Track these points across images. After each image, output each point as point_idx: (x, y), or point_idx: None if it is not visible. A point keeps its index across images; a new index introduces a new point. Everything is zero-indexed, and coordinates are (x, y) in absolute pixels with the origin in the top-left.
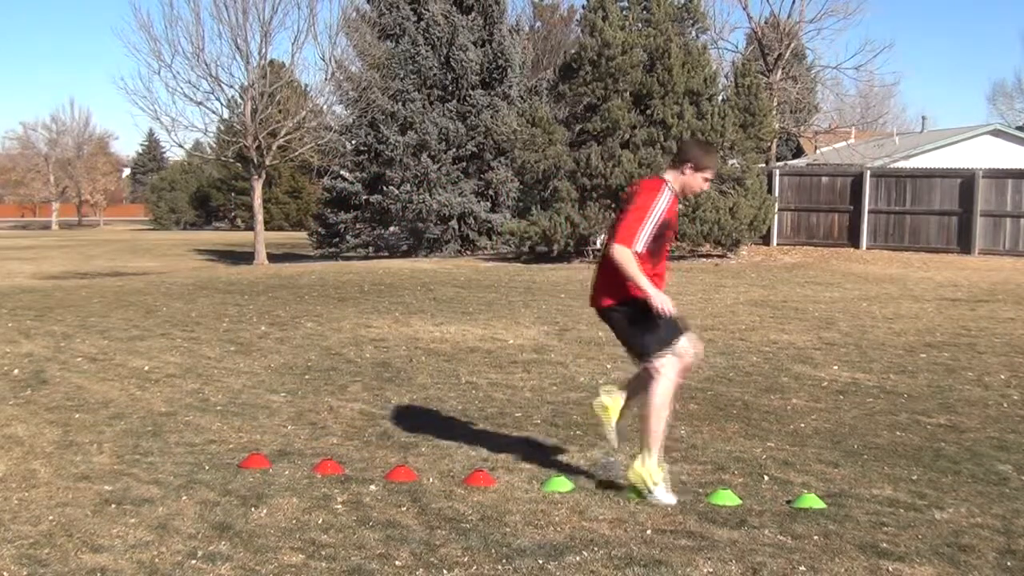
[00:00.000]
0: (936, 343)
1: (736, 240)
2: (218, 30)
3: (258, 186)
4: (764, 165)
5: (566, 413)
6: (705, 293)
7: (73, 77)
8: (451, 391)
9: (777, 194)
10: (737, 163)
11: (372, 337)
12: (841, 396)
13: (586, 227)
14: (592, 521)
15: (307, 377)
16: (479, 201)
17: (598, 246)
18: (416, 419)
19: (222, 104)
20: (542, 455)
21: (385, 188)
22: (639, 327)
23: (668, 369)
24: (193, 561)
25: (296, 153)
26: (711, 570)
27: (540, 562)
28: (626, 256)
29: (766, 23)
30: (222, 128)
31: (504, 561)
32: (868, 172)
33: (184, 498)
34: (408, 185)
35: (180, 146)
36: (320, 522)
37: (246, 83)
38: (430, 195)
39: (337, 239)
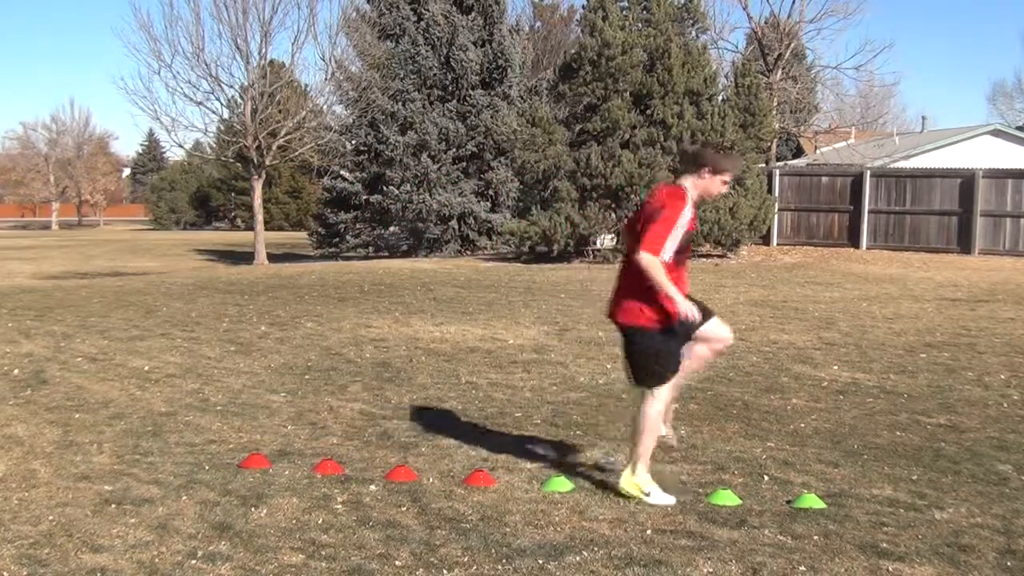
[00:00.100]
0: (936, 343)
1: (736, 240)
2: (218, 30)
3: (258, 186)
4: (764, 165)
5: (566, 413)
6: (705, 293)
7: (73, 77)
8: (451, 391)
9: (777, 194)
10: None
11: (372, 337)
12: (841, 396)
13: (586, 227)
14: (592, 521)
15: (307, 377)
16: (479, 201)
17: (598, 246)
18: (416, 419)
19: (222, 104)
20: (542, 455)
21: (385, 188)
22: (646, 357)
23: (662, 394)
24: (193, 561)
25: (296, 153)
26: (711, 570)
27: (540, 562)
28: (654, 264)
29: (766, 23)
30: (222, 128)
31: (504, 561)
32: (868, 172)
33: (184, 498)
34: (408, 185)
35: (180, 146)
36: (320, 522)
37: (246, 83)
38: (430, 195)
39: (337, 239)
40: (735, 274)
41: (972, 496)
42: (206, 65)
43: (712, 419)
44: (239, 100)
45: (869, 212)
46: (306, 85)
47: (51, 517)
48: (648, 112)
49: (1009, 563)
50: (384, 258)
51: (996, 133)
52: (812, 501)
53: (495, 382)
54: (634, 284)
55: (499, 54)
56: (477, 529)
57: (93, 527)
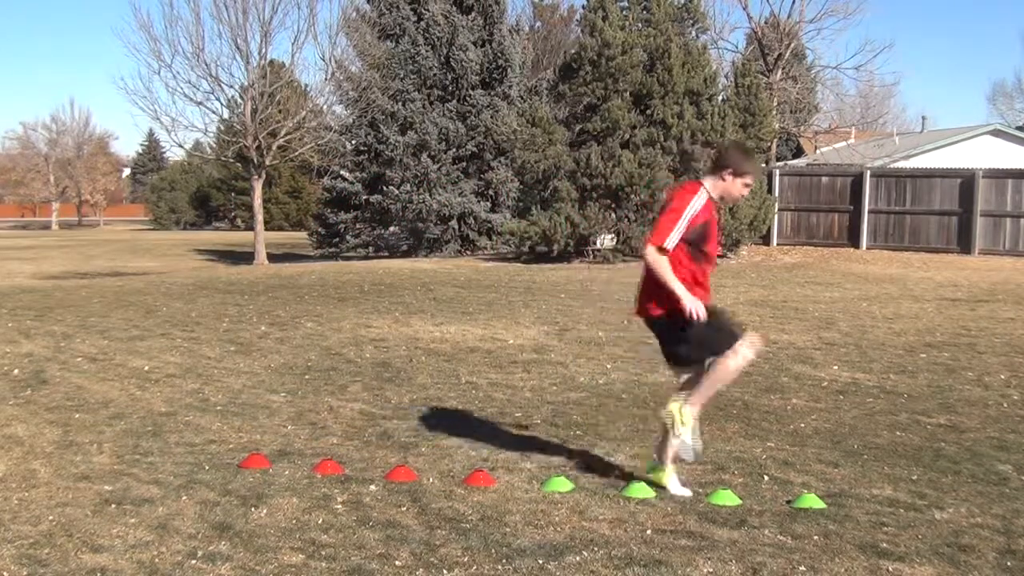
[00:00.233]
0: (936, 343)
1: (736, 240)
2: (218, 30)
3: (258, 186)
4: (764, 165)
5: (566, 413)
6: None
7: (73, 77)
8: (451, 391)
9: (777, 194)
10: None
11: (372, 337)
12: (841, 396)
13: (586, 227)
14: (592, 521)
15: (307, 377)
16: (479, 201)
17: (598, 246)
18: (416, 419)
19: (222, 104)
20: (542, 455)
21: (385, 188)
22: (696, 329)
23: (746, 351)
24: (193, 561)
25: (296, 153)
26: (711, 570)
27: (540, 562)
28: (655, 256)
29: (766, 23)
30: (222, 128)
31: (504, 561)
32: (868, 172)
33: (184, 498)
34: (408, 185)
35: (180, 146)
36: (320, 522)
37: (246, 83)
38: (430, 195)
39: (337, 239)
40: (735, 274)
41: (972, 496)
42: (206, 65)
43: (712, 419)
44: (239, 100)
45: (869, 212)
46: (306, 85)
47: (51, 517)
48: (648, 112)
49: (1009, 563)
50: (384, 258)
51: (996, 133)
52: (812, 501)
53: (495, 382)
54: (654, 281)
55: (499, 54)
56: (477, 529)
57: (93, 527)
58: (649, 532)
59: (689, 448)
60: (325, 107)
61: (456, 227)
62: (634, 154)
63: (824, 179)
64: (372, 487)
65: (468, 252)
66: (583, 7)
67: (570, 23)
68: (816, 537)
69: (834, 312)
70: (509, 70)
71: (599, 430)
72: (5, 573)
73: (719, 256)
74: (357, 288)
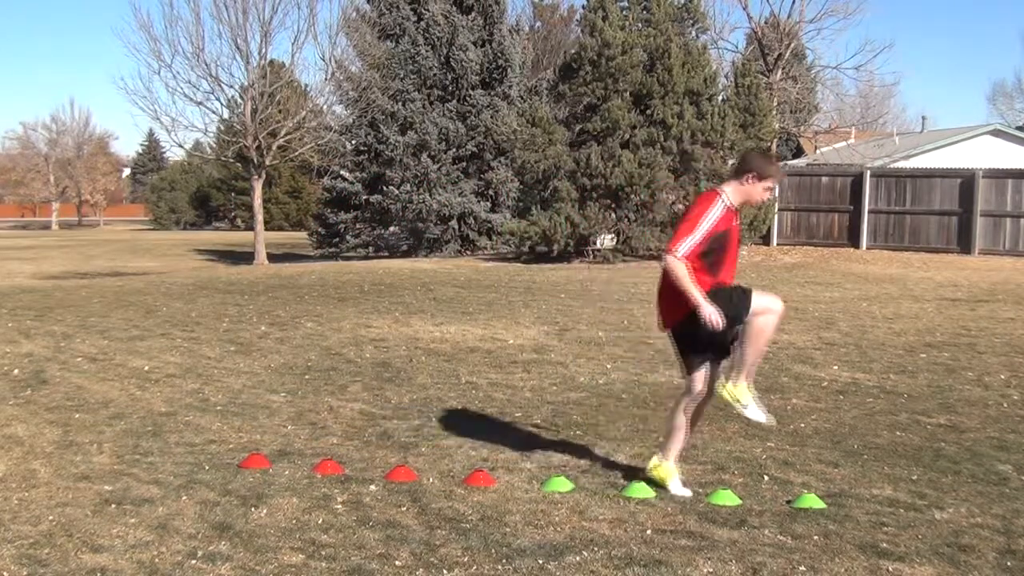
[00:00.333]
0: (936, 343)
1: None
2: (218, 30)
3: (258, 186)
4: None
5: (566, 413)
6: None
7: (73, 77)
8: (451, 391)
9: (777, 194)
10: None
11: (372, 337)
12: (841, 396)
13: (586, 227)
14: (592, 521)
15: (307, 377)
16: (479, 201)
17: (598, 246)
18: (416, 419)
19: (222, 104)
20: (542, 455)
21: (385, 188)
22: (695, 346)
23: (775, 304)
24: (193, 561)
25: (296, 153)
26: (711, 570)
27: (540, 562)
28: (673, 262)
29: (766, 23)
30: (222, 128)
31: (504, 561)
32: (868, 172)
33: (184, 498)
34: (408, 185)
35: (180, 146)
36: (320, 522)
37: (246, 83)
38: (430, 195)
39: (337, 239)
40: (735, 274)
41: (972, 496)
42: (206, 65)
43: (712, 419)
44: (239, 100)
45: (869, 212)
46: (306, 85)
47: (51, 517)
48: (648, 112)
49: (1009, 563)
50: (384, 258)
51: (996, 133)
52: (812, 501)
53: (495, 382)
54: (672, 291)
55: (499, 54)
56: (477, 529)
57: (93, 527)
58: (649, 532)
59: (762, 416)
60: (325, 107)
61: (456, 227)
62: (634, 154)
63: (824, 179)
64: (372, 487)
65: (468, 252)
66: (583, 7)
67: (570, 23)
68: (816, 537)
69: (834, 312)
70: (509, 70)
71: (599, 430)
72: (5, 573)
73: None
74: (357, 288)
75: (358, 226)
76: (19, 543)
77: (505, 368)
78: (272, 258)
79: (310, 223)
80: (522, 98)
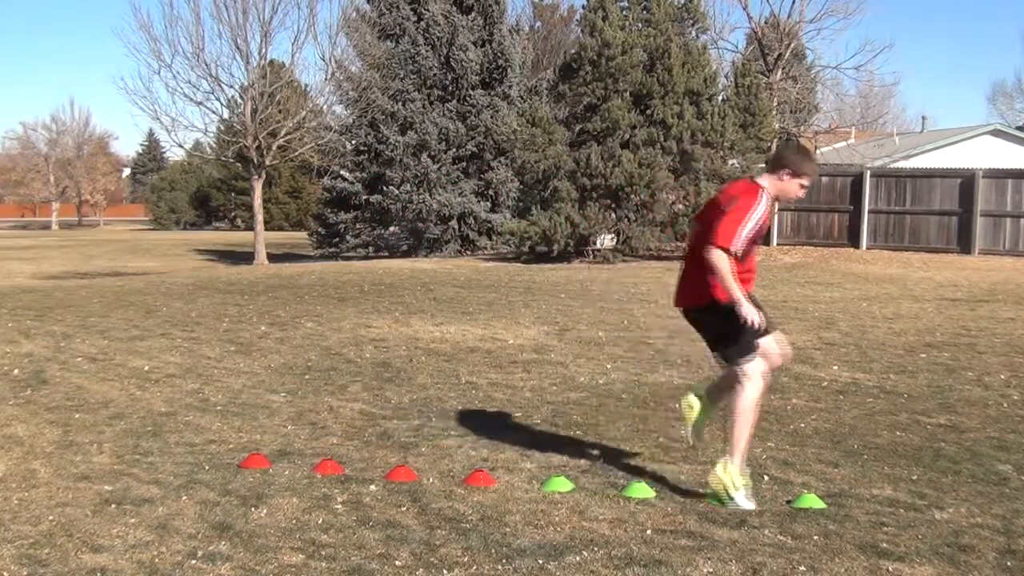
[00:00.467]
0: (936, 343)
1: None
2: (218, 30)
3: (258, 186)
4: (764, 165)
5: (566, 413)
6: None
7: (73, 77)
8: (451, 391)
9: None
10: (737, 163)
11: (372, 337)
12: (841, 396)
13: (586, 227)
14: (592, 521)
15: (307, 377)
16: (479, 201)
17: (598, 246)
18: (416, 419)
19: (222, 104)
20: (542, 455)
21: (385, 188)
22: (726, 331)
23: (755, 375)
24: (193, 561)
25: (296, 153)
26: (711, 570)
27: (540, 562)
28: (722, 259)
29: (766, 23)
30: (222, 128)
31: (504, 561)
32: (868, 172)
33: (184, 498)
34: (408, 185)
35: (180, 146)
36: (320, 522)
37: (246, 83)
38: (430, 195)
39: (337, 239)
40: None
41: (972, 496)
42: (206, 65)
43: (712, 419)
44: (239, 100)
45: (869, 212)
46: (306, 85)
47: (51, 517)
48: (648, 112)
49: (1009, 563)
50: (384, 258)
51: (996, 133)
52: (812, 501)
53: (495, 382)
54: (697, 271)
55: (499, 54)
56: (477, 529)
57: (93, 527)
58: (649, 532)
59: (746, 503)
60: (325, 107)
61: (456, 227)
62: (634, 154)
63: (824, 179)
64: (372, 487)
65: (468, 252)
66: (583, 7)
67: (570, 23)
68: (816, 537)
69: (834, 312)
70: (509, 70)
71: (599, 430)
72: (5, 573)
73: None
74: (357, 288)
75: (358, 226)
76: (19, 543)
77: (505, 368)
78: (272, 258)
79: (310, 223)
80: (522, 98)
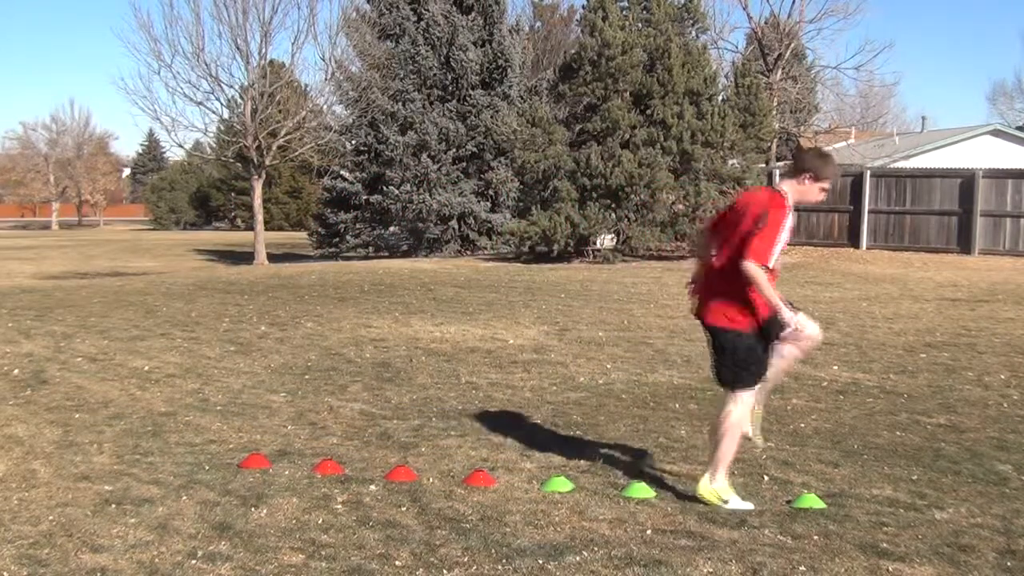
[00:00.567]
0: (936, 343)
1: None
2: (218, 30)
3: (258, 186)
4: (764, 165)
5: (566, 413)
6: None
7: (73, 77)
8: (451, 391)
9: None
10: (737, 163)
11: (372, 337)
12: (841, 396)
13: (586, 227)
14: (592, 521)
15: (307, 377)
16: (479, 201)
17: (598, 246)
18: (416, 419)
19: (222, 104)
20: (542, 455)
21: (385, 188)
22: (737, 359)
23: (746, 402)
24: (193, 561)
25: (296, 153)
26: (711, 570)
27: (540, 562)
28: (756, 271)
29: (766, 23)
30: (222, 128)
31: (504, 561)
32: (868, 172)
33: (184, 498)
34: (408, 185)
35: (180, 146)
36: (320, 522)
37: (246, 83)
38: (430, 195)
39: (337, 239)
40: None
41: (972, 496)
42: (206, 65)
43: (712, 419)
44: (239, 100)
45: (869, 212)
46: (306, 85)
47: (51, 517)
48: (648, 112)
49: (1009, 563)
50: (384, 258)
51: (996, 133)
52: (812, 501)
53: (495, 382)
54: (723, 285)
55: (499, 54)
56: (477, 529)
57: (93, 527)
58: (649, 532)
59: (742, 506)
60: (325, 107)
61: (456, 227)
62: (634, 154)
63: None
64: (372, 487)
65: (468, 252)
66: (583, 7)
67: (570, 23)
68: (816, 537)
69: (834, 312)
70: (509, 70)
71: (599, 430)
72: (5, 573)
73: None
74: (357, 288)
75: (358, 226)
76: (19, 543)
77: (505, 368)
78: (272, 258)
79: (310, 223)
80: (522, 98)
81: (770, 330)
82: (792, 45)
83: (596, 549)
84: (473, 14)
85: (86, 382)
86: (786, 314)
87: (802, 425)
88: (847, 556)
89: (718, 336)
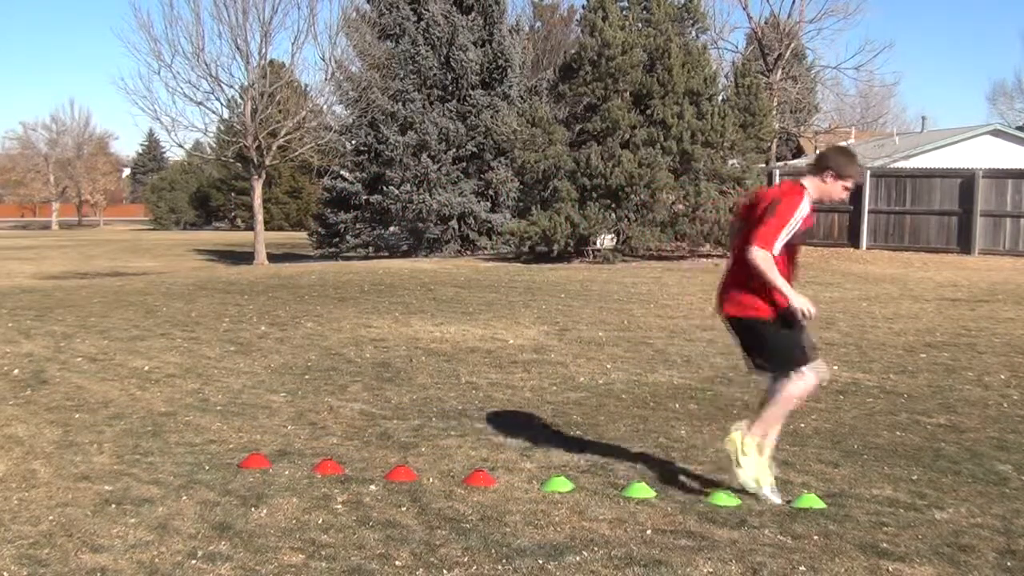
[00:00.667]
0: (936, 343)
1: None
2: (218, 30)
3: (258, 186)
4: (764, 165)
5: (566, 413)
6: (705, 293)
7: (73, 77)
8: (451, 391)
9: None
10: (737, 163)
11: (372, 337)
12: (841, 396)
13: (586, 227)
14: (592, 521)
15: (307, 377)
16: (479, 201)
17: (598, 246)
18: (416, 419)
19: (222, 104)
20: (542, 455)
21: (385, 188)
22: (778, 343)
23: (808, 374)
24: (193, 561)
25: (296, 153)
26: (711, 570)
27: (540, 562)
28: (765, 259)
29: (766, 23)
30: (222, 128)
31: (504, 561)
32: (868, 172)
33: (184, 498)
34: (408, 185)
35: (180, 146)
36: (320, 522)
37: (246, 83)
38: (430, 195)
39: (337, 239)
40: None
41: (972, 496)
42: (206, 65)
43: (712, 419)
44: (239, 100)
45: (869, 212)
46: (306, 85)
47: (51, 517)
48: (648, 112)
49: (1009, 563)
50: (384, 258)
51: (996, 133)
52: (812, 501)
53: (495, 382)
54: (743, 277)
55: (499, 54)
56: (477, 529)
57: (93, 527)
58: (649, 532)
59: (750, 480)
60: (325, 107)
61: (456, 227)
62: (634, 154)
63: None
64: (372, 487)
65: (468, 252)
66: (583, 7)
67: (570, 23)
68: (816, 537)
69: (834, 312)
70: (509, 70)
71: (599, 430)
72: (5, 573)
73: (719, 257)
74: (357, 288)
75: (358, 226)
76: (19, 543)
77: (505, 368)
78: (272, 258)
79: (310, 223)
80: (522, 98)
81: (791, 319)
82: (792, 45)
83: (596, 549)
84: (473, 14)
85: (86, 382)
86: (795, 302)
87: (802, 425)
88: (847, 556)
89: (746, 326)
